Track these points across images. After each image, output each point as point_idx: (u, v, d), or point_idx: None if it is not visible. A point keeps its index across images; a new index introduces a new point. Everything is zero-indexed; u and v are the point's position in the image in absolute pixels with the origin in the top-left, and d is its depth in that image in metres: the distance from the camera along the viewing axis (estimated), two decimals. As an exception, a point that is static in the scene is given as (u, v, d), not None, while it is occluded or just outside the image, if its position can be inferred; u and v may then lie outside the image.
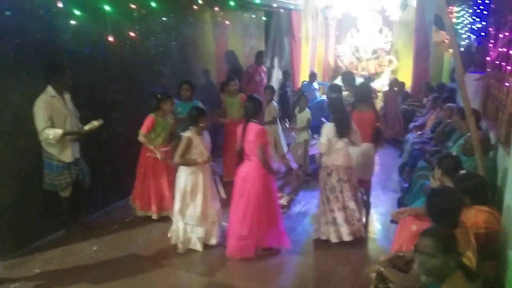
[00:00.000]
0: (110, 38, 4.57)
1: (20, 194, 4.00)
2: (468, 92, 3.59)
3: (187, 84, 5.25)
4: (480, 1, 5.79)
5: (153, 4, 5.33)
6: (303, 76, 10.47)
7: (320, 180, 4.27)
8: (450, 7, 7.64)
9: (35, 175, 4.07)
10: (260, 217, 3.90)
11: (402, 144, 7.11)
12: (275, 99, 6.78)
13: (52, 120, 3.94)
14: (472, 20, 6.34)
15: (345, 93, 5.47)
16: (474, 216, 2.91)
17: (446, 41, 8.31)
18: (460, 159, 3.57)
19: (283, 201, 5.20)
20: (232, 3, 6.66)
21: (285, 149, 6.44)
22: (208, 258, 4.03)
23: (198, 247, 4.10)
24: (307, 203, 5.32)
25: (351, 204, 4.14)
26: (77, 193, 4.35)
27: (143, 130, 4.48)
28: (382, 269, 2.73)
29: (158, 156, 4.54)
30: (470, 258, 2.45)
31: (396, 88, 8.68)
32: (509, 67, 4.08)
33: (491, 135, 4.33)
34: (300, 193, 5.72)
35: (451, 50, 6.26)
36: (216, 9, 7.05)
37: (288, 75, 9.68)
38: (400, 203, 4.97)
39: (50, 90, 3.96)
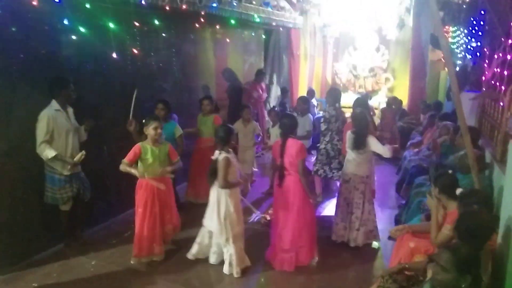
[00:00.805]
0: (113, 55, 4.64)
1: (19, 208, 4.01)
2: (464, 110, 3.66)
3: (161, 103, 4.98)
4: (475, 22, 5.93)
5: (156, 22, 5.43)
6: (301, 93, 10.55)
7: (339, 187, 4.67)
8: (445, 27, 7.82)
9: (35, 189, 4.09)
10: (301, 231, 4.05)
11: (400, 161, 7.18)
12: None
13: (53, 135, 3.98)
14: (467, 40, 6.49)
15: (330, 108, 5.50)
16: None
17: (442, 59, 8.42)
18: (457, 177, 3.61)
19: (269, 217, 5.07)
20: (232, 21, 6.77)
21: None
22: (205, 274, 4.02)
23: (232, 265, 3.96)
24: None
25: (359, 212, 4.44)
26: (77, 207, 4.36)
27: (124, 159, 4.00)
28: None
29: (160, 187, 4.12)
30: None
31: (394, 106, 8.78)
32: (503, 87, 4.17)
33: (486, 153, 4.40)
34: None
35: (447, 69, 6.35)
36: (217, 27, 7.18)
37: (287, 91, 9.82)
38: (398, 220, 5.00)
39: (54, 104, 4.02)
